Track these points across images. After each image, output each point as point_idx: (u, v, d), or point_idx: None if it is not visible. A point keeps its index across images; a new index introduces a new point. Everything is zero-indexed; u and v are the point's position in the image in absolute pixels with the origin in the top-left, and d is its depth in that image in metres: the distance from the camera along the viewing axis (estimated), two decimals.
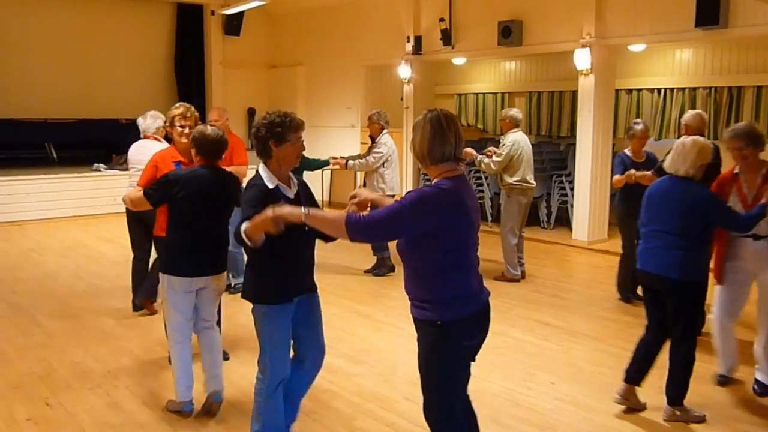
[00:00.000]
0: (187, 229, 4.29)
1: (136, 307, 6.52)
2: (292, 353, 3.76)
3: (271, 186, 3.51)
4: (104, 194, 12.12)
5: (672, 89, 10.58)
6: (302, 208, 3.05)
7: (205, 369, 4.46)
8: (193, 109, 5.09)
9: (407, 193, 2.96)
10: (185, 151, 4.73)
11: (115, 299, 7.08)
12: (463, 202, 2.94)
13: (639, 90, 10.99)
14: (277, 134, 3.50)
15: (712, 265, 4.84)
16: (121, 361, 5.39)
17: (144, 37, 14.57)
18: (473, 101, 13.70)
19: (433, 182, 2.99)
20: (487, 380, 5.02)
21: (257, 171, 3.57)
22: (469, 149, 7.68)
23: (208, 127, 4.44)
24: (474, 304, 3.05)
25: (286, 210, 3.06)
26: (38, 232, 10.89)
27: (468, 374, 3.16)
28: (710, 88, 10.11)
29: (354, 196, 3.27)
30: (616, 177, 6.67)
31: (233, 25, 14.62)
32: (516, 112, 7.89)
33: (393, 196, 7.66)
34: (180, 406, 4.38)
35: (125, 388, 4.87)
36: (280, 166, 3.56)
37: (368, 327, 6.24)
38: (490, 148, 7.86)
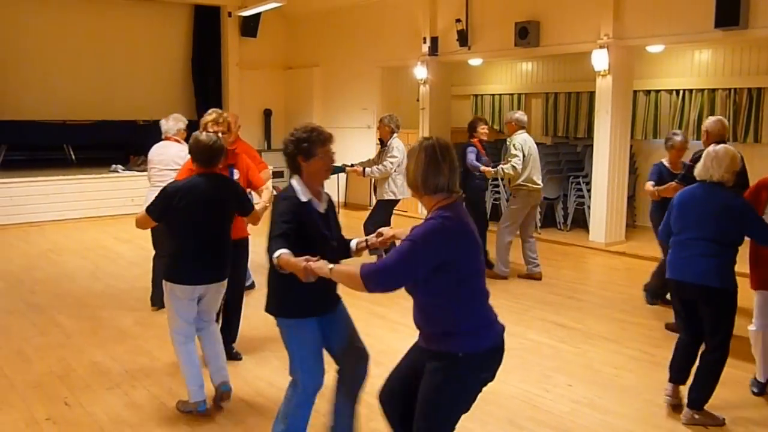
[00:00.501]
0: (188, 238, 4.29)
1: (155, 302, 6.58)
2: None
3: (304, 199, 3.48)
4: (122, 195, 12.21)
5: (691, 90, 10.48)
6: (328, 264, 3.01)
7: (209, 363, 4.53)
8: (225, 114, 5.08)
9: (412, 229, 2.90)
10: None
11: (133, 299, 7.12)
12: (469, 228, 2.93)
13: (657, 91, 10.90)
14: (304, 150, 3.47)
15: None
16: (139, 360, 5.43)
17: (162, 38, 14.66)
18: (489, 102, 13.65)
19: (431, 214, 2.95)
20: (503, 382, 5.00)
21: (290, 184, 3.55)
22: (485, 168, 7.89)
23: (203, 133, 4.45)
24: (494, 334, 3.02)
25: (318, 265, 3.01)
26: (56, 232, 10.98)
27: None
28: (730, 89, 10.01)
29: (379, 234, 3.39)
30: (648, 186, 6.57)
31: (250, 26, 14.69)
32: (521, 115, 7.99)
33: (399, 200, 8.00)
34: (193, 406, 4.42)
35: (143, 387, 4.90)
36: (311, 181, 3.54)
37: (384, 328, 6.23)
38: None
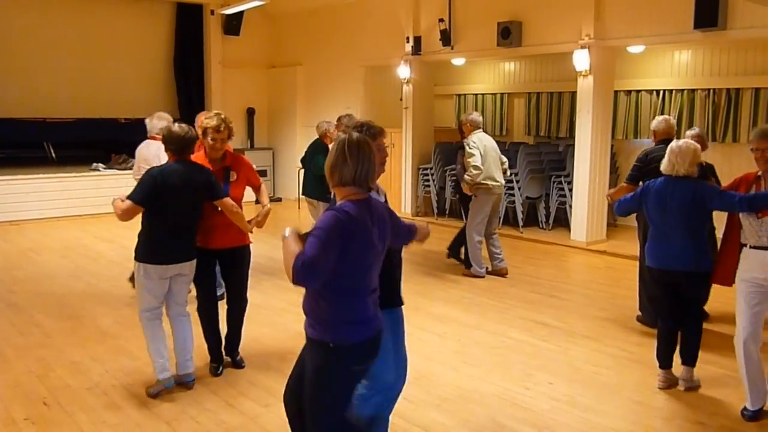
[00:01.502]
0: (164, 220, 4.54)
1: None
2: None
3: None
4: (103, 194, 12.06)
5: (671, 91, 10.58)
6: (287, 229, 3.02)
7: (176, 353, 4.79)
8: (227, 120, 4.86)
9: (320, 219, 2.97)
10: (215, 159, 4.91)
11: (113, 299, 7.08)
12: (364, 226, 2.98)
13: (638, 91, 10.99)
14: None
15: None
16: (119, 360, 5.40)
17: (144, 36, 14.56)
18: (472, 102, 13.69)
19: (337, 204, 3.03)
20: (485, 380, 5.04)
21: None
22: (463, 185, 7.99)
23: (175, 124, 4.70)
24: (368, 329, 3.06)
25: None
26: (37, 231, 10.89)
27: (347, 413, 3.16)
28: (709, 89, 10.11)
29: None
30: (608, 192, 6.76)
31: (233, 24, 14.63)
32: (477, 116, 8.17)
33: None
34: (160, 385, 4.67)
35: (123, 387, 4.87)
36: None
37: None
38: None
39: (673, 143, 4.72)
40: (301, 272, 2.81)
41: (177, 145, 4.57)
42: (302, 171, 8.67)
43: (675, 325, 4.85)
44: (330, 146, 7.52)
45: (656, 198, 4.72)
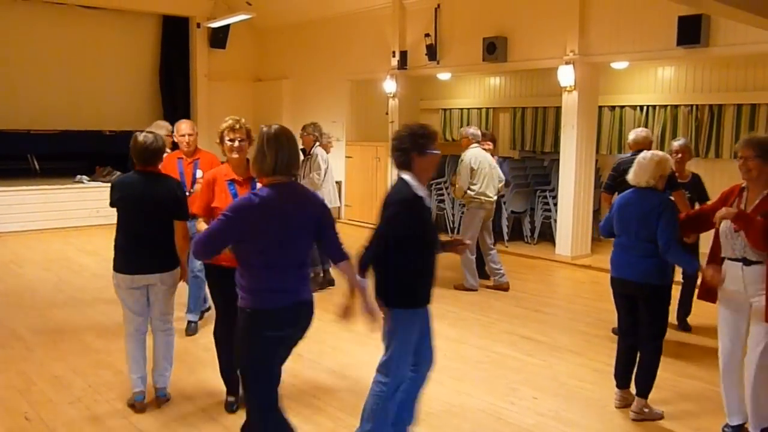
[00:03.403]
0: (124, 230, 4.58)
1: None
2: None
3: (420, 194, 3.64)
4: (87, 206, 12.04)
5: (654, 106, 10.68)
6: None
7: (155, 366, 4.77)
8: (243, 120, 4.59)
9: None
10: (238, 167, 4.46)
11: (96, 312, 7.02)
12: (275, 208, 3.27)
13: (622, 107, 11.08)
14: (420, 145, 3.62)
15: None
16: (101, 374, 5.34)
17: (129, 48, 14.54)
18: (458, 116, 13.75)
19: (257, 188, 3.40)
20: (469, 395, 5.03)
21: (402, 179, 3.66)
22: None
23: (142, 134, 4.61)
24: (281, 299, 3.32)
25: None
26: (19, 243, 10.79)
27: (275, 372, 3.45)
28: (691, 105, 10.22)
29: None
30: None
31: (219, 38, 14.65)
32: (476, 130, 8.26)
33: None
34: (132, 397, 4.70)
35: (106, 402, 4.82)
36: (420, 177, 3.67)
37: (352, 341, 6.21)
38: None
39: (641, 154, 4.72)
40: (194, 248, 3.34)
41: (139, 155, 4.54)
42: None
43: (631, 342, 4.74)
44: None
45: (619, 208, 4.74)
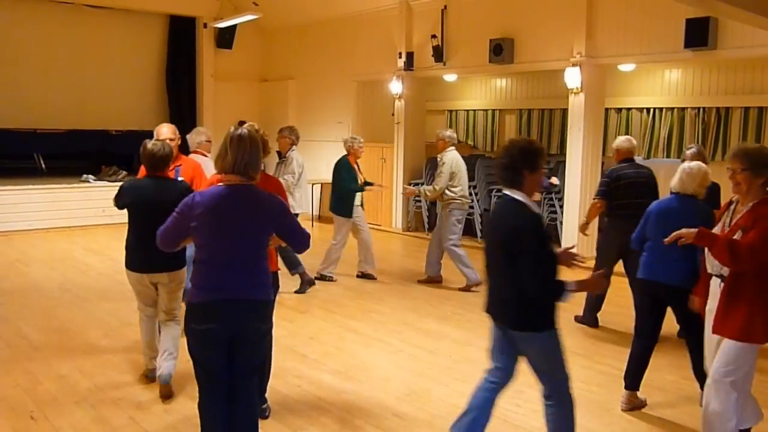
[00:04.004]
0: (135, 231, 4.90)
1: None
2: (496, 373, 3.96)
3: (537, 212, 3.57)
4: (93, 205, 12.08)
5: (661, 109, 10.65)
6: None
7: (160, 353, 4.98)
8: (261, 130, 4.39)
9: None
10: None
11: (102, 312, 7.03)
12: (218, 207, 3.42)
13: (628, 109, 11.05)
14: (531, 162, 3.53)
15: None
16: (107, 374, 5.35)
17: (136, 48, 14.55)
18: (464, 118, 13.73)
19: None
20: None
21: (513, 198, 3.54)
22: (409, 188, 8.75)
23: (149, 141, 4.92)
24: (204, 294, 3.44)
25: None
26: (25, 242, 10.82)
27: (212, 363, 3.50)
28: (698, 108, 10.19)
29: None
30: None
31: (225, 38, 14.67)
32: (452, 133, 8.39)
33: (297, 214, 7.12)
34: (145, 371, 5.20)
35: (111, 401, 4.83)
36: (530, 193, 3.60)
37: (357, 342, 6.22)
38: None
39: (686, 164, 4.80)
40: (157, 240, 3.60)
41: (147, 162, 4.86)
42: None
43: (648, 345, 4.80)
44: (353, 163, 7.64)
45: (659, 213, 4.76)
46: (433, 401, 4.95)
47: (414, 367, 5.60)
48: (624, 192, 6.39)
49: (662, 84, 10.72)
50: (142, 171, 5.29)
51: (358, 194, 8.42)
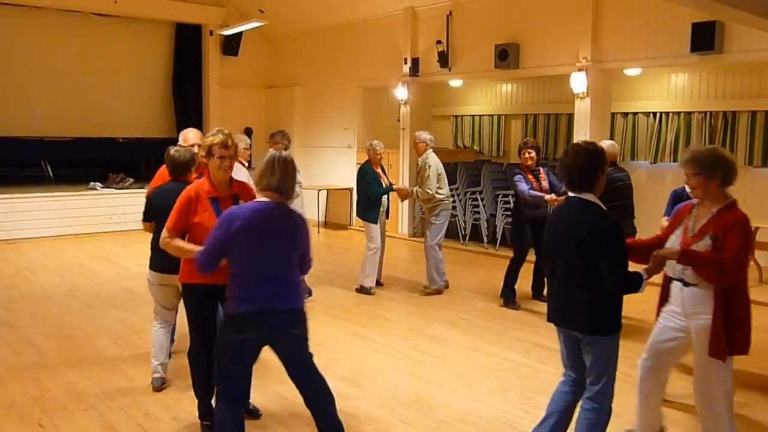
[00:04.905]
0: (157, 232, 4.90)
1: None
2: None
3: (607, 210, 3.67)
4: (100, 213, 12.12)
5: (667, 113, 10.63)
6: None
7: (171, 354, 5.29)
8: (232, 136, 4.34)
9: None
10: (222, 183, 4.27)
11: (110, 319, 7.05)
12: (255, 222, 3.60)
13: (635, 114, 11.04)
14: (602, 164, 3.66)
15: None
16: (115, 381, 5.36)
17: (143, 56, 14.62)
18: (469, 123, 13.75)
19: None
20: (483, 403, 5.01)
21: (588, 201, 3.61)
22: (402, 187, 8.83)
23: (172, 148, 5.09)
24: (246, 305, 3.62)
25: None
26: (33, 250, 10.86)
27: (240, 373, 3.75)
28: (705, 112, 10.17)
29: None
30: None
31: (231, 45, 14.72)
32: (430, 135, 8.41)
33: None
34: (152, 381, 5.18)
35: (120, 409, 4.83)
36: (597, 194, 3.67)
37: (365, 348, 6.21)
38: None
39: None
40: (198, 263, 3.73)
41: (171, 167, 5.05)
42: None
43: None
44: (375, 168, 7.64)
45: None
46: (441, 407, 4.93)
47: (421, 373, 5.59)
48: (619, 194, 6.59)
49: (669, 88, 10.70)
50: (156, 179, 5.41)
51: (384, 201, 8.35)
